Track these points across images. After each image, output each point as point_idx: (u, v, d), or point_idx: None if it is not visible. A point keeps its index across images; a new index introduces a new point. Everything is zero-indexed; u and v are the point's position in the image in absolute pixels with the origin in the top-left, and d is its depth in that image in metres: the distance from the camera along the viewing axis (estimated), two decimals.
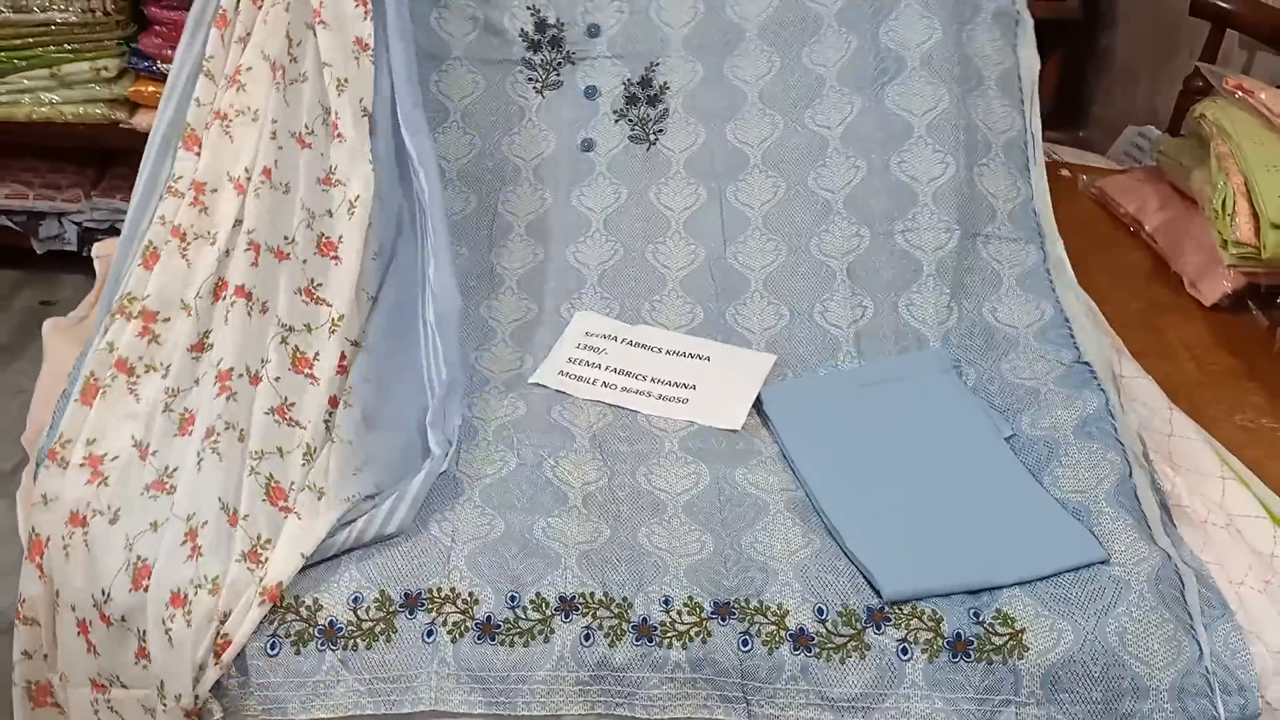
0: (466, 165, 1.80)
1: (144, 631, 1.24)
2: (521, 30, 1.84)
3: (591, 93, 1.84)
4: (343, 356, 1.45)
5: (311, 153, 1.58)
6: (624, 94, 1.83)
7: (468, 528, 1.32)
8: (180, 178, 1.59)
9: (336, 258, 1.52)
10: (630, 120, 1.83)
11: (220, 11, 1.64)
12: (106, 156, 3.37)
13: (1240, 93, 1.82)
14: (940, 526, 1.32)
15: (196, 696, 1.22)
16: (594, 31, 1.85)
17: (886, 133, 1.72)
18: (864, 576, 1.26)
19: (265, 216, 1.51)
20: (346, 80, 1.60)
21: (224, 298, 1.46)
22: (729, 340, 1.63)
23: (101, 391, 1.42)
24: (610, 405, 1.52)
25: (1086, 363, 1.50)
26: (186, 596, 1.23)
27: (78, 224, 3.29)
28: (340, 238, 1.52)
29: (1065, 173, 2.17)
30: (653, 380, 1.56)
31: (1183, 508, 1.36)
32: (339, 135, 1.58)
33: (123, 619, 1.25)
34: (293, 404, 1.40)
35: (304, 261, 1.50)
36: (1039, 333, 1.58)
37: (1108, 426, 1.39)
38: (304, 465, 1.35)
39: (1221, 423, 1.53)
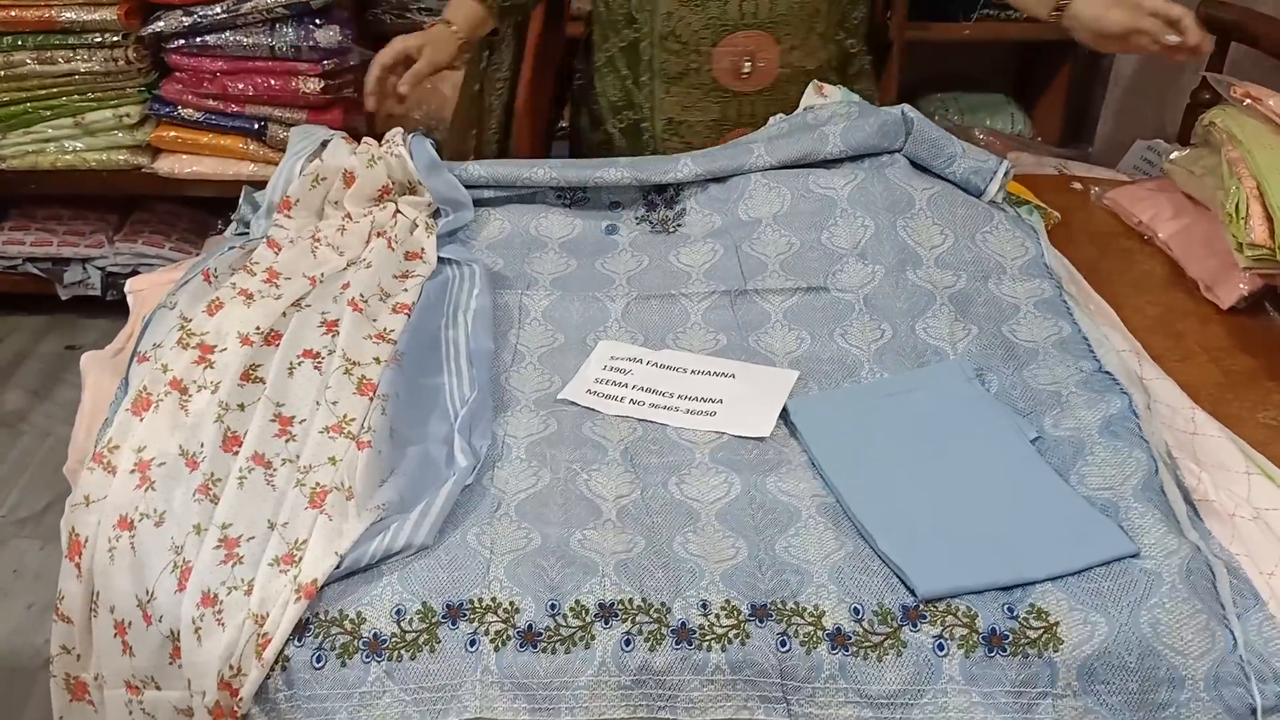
0: (496, 241, 1.93)
1: (178, 631, 1.27)
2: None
3: (614, 206, 2.01)
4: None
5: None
6: (643, 202, 1.99)
7: (505, 540, 1.34)
8: (257, 263, 1.75)
9: (409, 314, 1.68)
10: (650, 222, 1.95)
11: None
12: (129, 202, 3.43)
13: (1249, 100, 1.85)
14: (971, 526, 1.33)
15: (240, 699, 1.24)
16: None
17: (890, 198, 1.83)
18: (898, 576, 1.28)
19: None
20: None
21: (278, 345, 1.59)
22: (753, 362, 1.65)
23: (155, 405, 1.48)
24: (639, 420, 1.55)
25: (1108, 372, 1.52)
26: (217, 596, 1.27)
27: (101, 269, 3.34)
28: (414, 303, 1.72)
29: (1077, 185, 2.21)
30: (679, 397, 1.58)
31: (1209, 502, 1.38)
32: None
33: (161, 619, 1.29)
34: (352, 419, 1.45)
35: (374, 320, 1.59)
36: (1058, 344, 1.60)
37: (1132, 425, 1.41)
38: (334, 466, 1.39)
39: (1245, 421, 1.55)
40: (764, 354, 1.67)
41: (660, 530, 1.36)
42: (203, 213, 3.48)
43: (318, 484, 1.39)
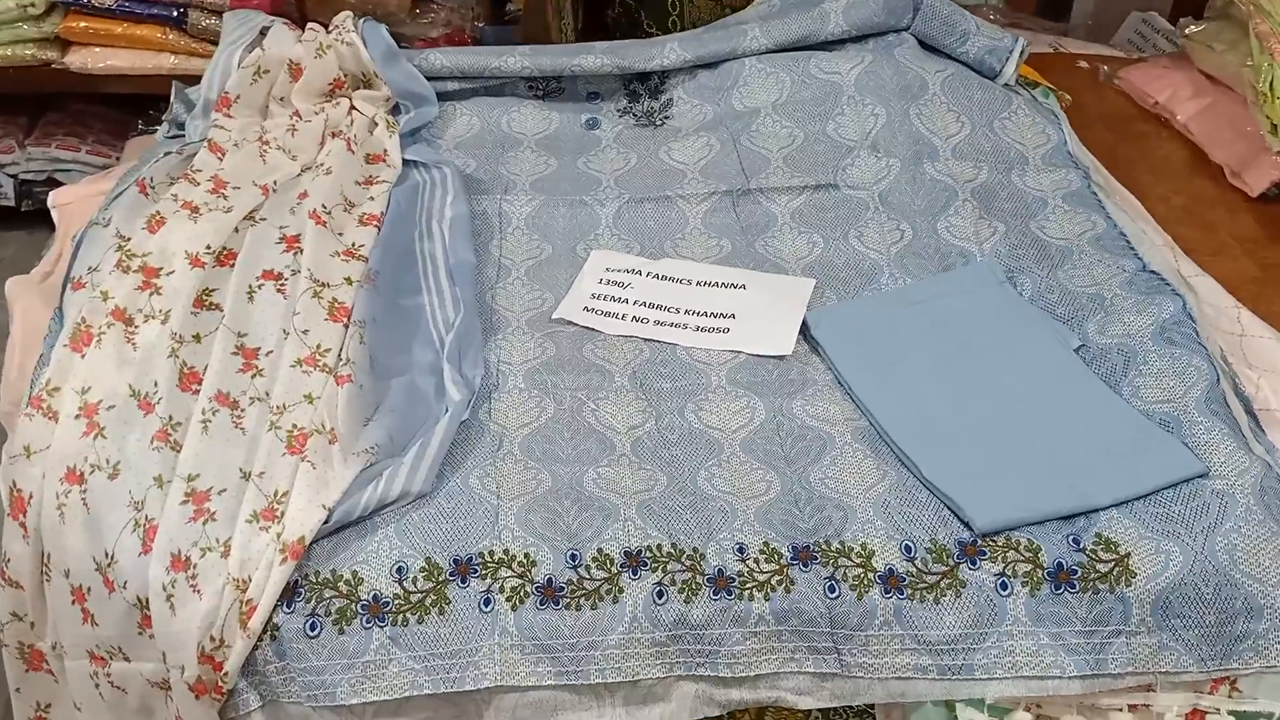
0: (466, 140, 1.74)
1: (146, 599, 1.12)
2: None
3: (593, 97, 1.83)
4: None
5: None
6: (624, 93, 1.80)
7: (512, 483, 1.20)
8: (199, 170, 1.56)
9: (378, 226, 1.50)
10: (634, 114, 1.78)
11: None
12: (39, 102, 3.14)
13: None
14: (1022, 449, 1.22)
15: (225, 674, 1.11)
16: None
17: (901, 83, 1.68)
18: (949, 509, 1.16)
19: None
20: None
21: (233, 266, 1.41)
22: (761, 269, 1.51)
23: (96, 339, 1.31)
24: (645, 340, 1.40)
25: (1154, 271, 1.40)
26: (190, 559, 1.13)
27: (13, 176, 3.07)
28: (383, 213, 1.53)
29: (1083, 64, 2.06)
30: (687, 312, 1.44)
31: (1270, 411, 1.28)
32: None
33: (125, 584, 1.14)
34: (327, 350, 1.29)
35: (340, 234, 1.41)
36: (1093, 241, 1.48)
37: (1189, 330, 1.30)
38: (311, 405, 1.24)
39: None
40: (773, 260, 1.52)
41: (681, 465, 1.23)
42: (121, 112, 3.21)
43: (295, 426, 1.23)
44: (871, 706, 1.18)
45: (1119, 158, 1.79)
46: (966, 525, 1.14)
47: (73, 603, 1.19)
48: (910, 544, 1.13)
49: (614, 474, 1.21)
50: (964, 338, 1.37)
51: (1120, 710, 1.11)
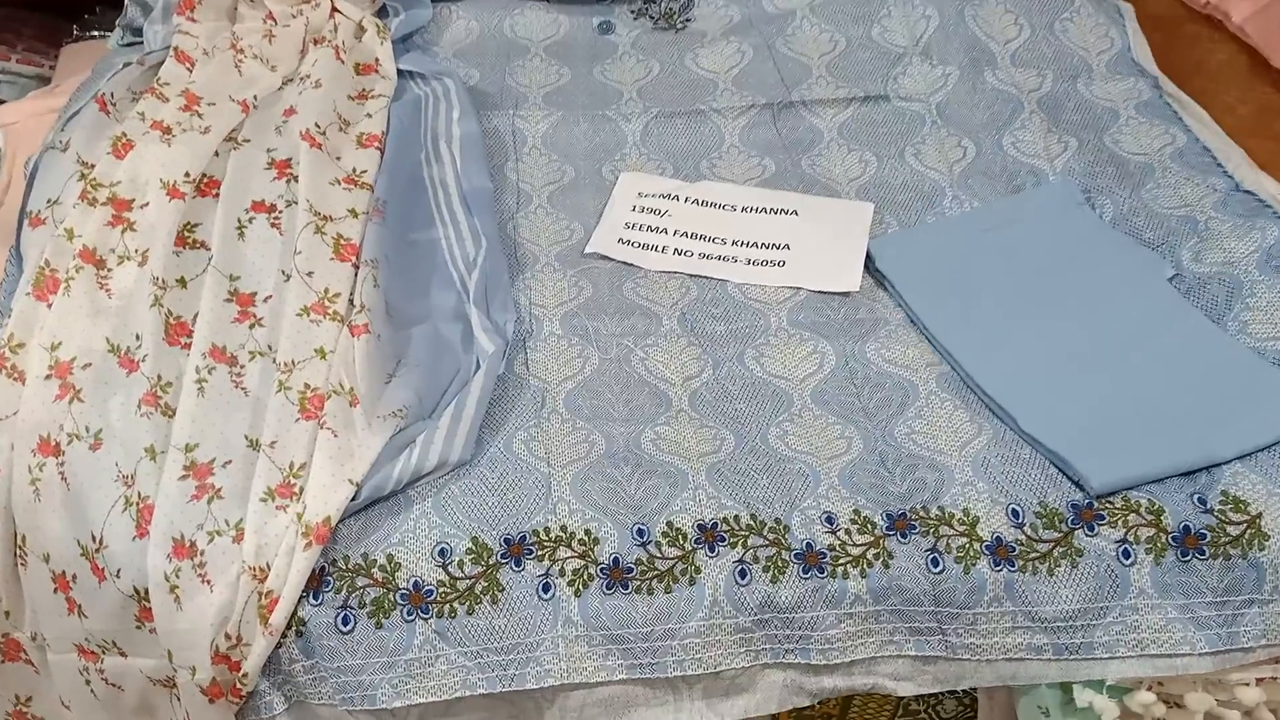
0: (465, 47, 1.56)
1: (145, 590, 0.97)
2: None
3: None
4: None
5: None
6: None
7: (562, 446, 1.05)
8: (167, 84, 1.35)
9: (380, 148, 1.31)
10: (651, 16, 1.59)
11: None
12: None
13: None
14: (1127, 395, 1.09)
15: (244, 675, 0.96)
16: None
17: None
18: (1057, 466, 1.04)
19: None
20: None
21: (216, 196, 1.24)
22: (811, 191, 1.35)
23: (65, 285, 1.13)
24: (691, 276, 1.25)
25: (1250, 191, 1.27)
26: (195, 545, 0.97)
27: None
28: (384, 133, 1.35)
29: None
30: (735, 243, 1.28)
31: None
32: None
33: (119, 573, 0.98)
34: (336, 295, 1.12)
35: (338, 158, 1.22)
36: (1175, 156, 1.34)
37: None
38: (324, 361, 1.08)
39: None
40: (823, 181, 1.37)
41: (748, 421, 1.09)
42: (53, 15, 2.93)
43: (307, 386, 1.07)
44: (972, 690, 1.07)
45: (1172, 63, 1.63)
46: (1078, 485, 1.02)
47: (55, 591, 1.03)
48: (1018, 508, 1.00)
49: (674, 433, 1.07)
50: (1044, 268, 1.24)
51: (1247, 685, 1.00)
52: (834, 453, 1.06)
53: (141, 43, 1.53)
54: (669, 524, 0.99)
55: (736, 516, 1.00)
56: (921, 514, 1.00)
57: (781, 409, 1.10)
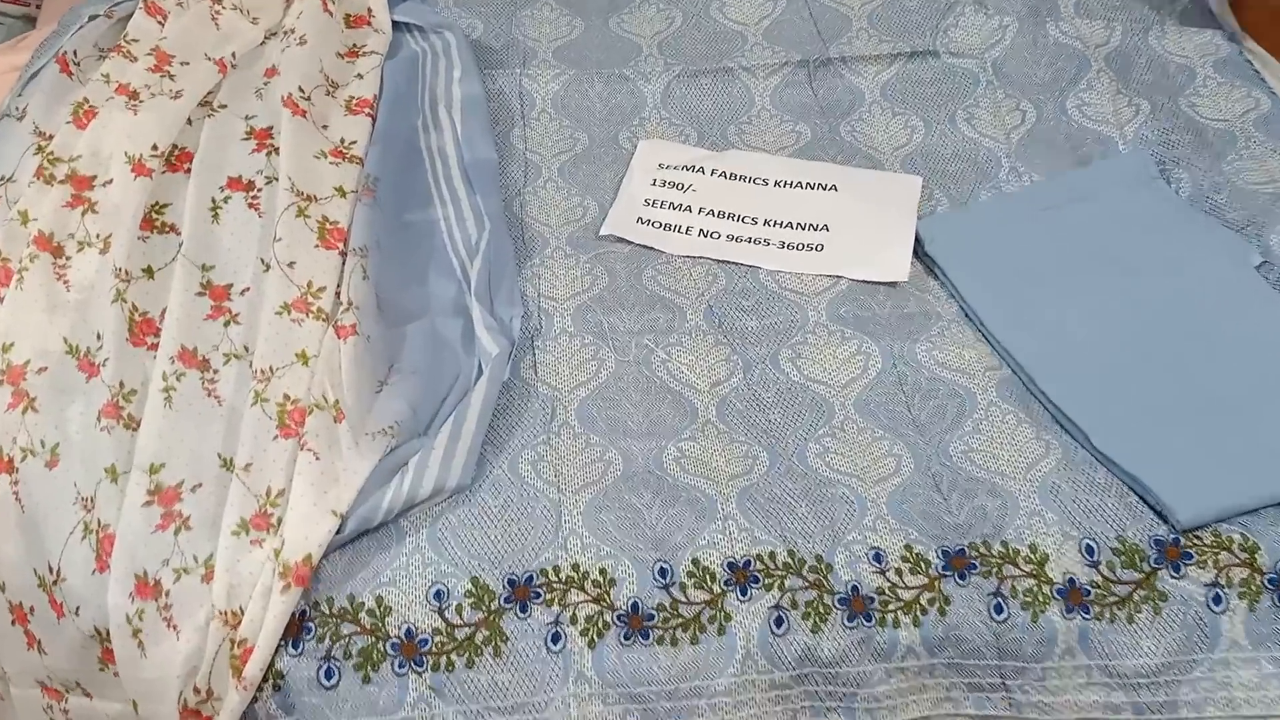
0: None
1: (106, 631, 0.87)
2: None
3: None
4: None
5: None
6: None
7: (574, 467, 0.93)
8: (136, 40, 1.21)
9: (372, 114, 1.15)
10: None
11: None
12: None
13: None
14: (1217, 409, 0.96)
15: None
16: None
17: None
18: (1137, 494, 0.91)
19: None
20: None
21: (188, 171, 1.11)
22: (851, 162, 1.21)
23: (17, 276, 1.02)
24: (718, 261, 1.12)
25: None
26: (160, 583, 0.86)
27: None
28: (376, 96, 1.21)
29: None
30: (768, 223, 1.15)
31: None
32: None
33: (78, 610, 0.87)
34: (321, 289, 0.99)
35: (324, 127, 1.09)
36: (1260, 123, 1.19)
37: None
38: (306, 367, 0.96)
39: None
40: (864, 150, 1.23)
41: (784, 435, 0.97)
42: None
43: (286, 398, 0.95)
44: None
45: (1248, 13, 1.47)
46: (1161, 517, 0.89)
47: (13, 623, 0.93)
48: (1092, 543, 0.88)
49: (701, 450, 0.95)
50: (1116, 254, 1.10)
51: None
52: (881, 474, 0.93)
53: None
54: (695, 562, 0.87)
55: (772, 553, 0.88)
56: (982, 550, 0.88)
57: (821, 420, 0.98)
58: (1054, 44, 1.27)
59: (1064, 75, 1.25)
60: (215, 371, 0.98)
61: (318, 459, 0.90)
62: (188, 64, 1.21)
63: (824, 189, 1.17)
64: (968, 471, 0.93)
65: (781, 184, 1.18)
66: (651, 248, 1.13)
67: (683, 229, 1.14)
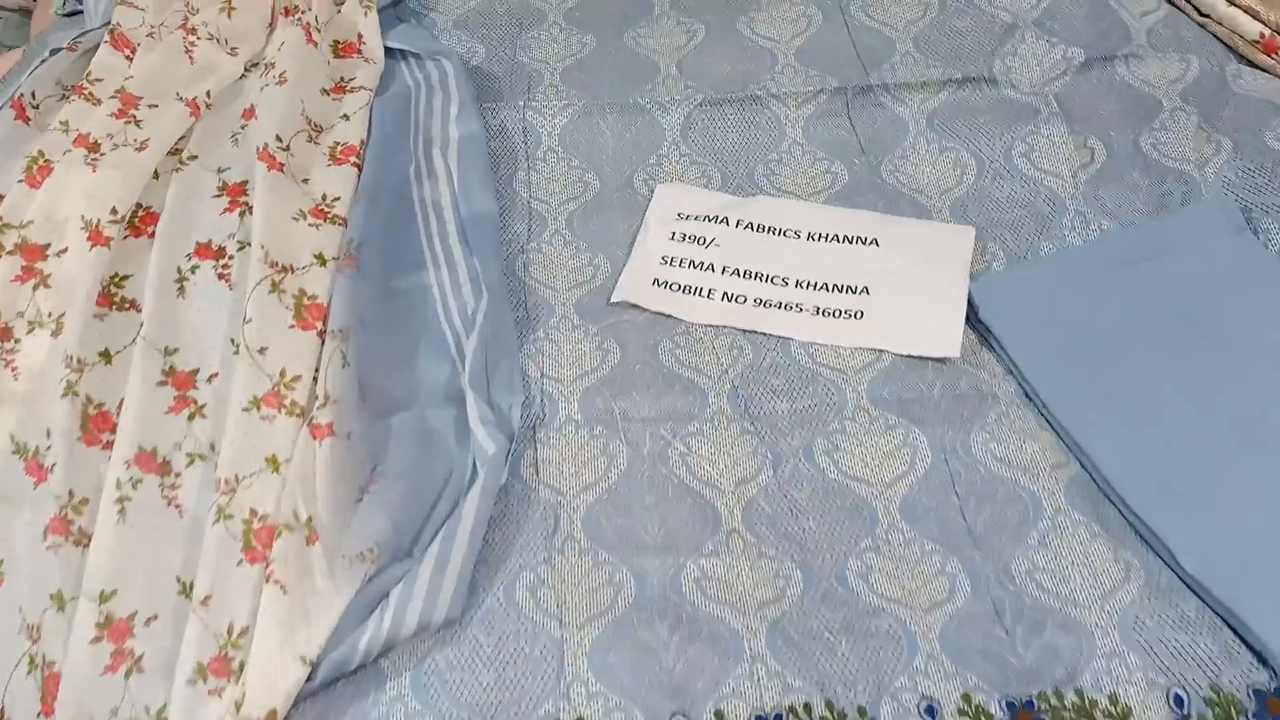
0: (468, 13, 1.29)
1: None
2: None
3: None
4: None
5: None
6: None
7: (579, 594, 0.82)
8: (100, 80, 1.10)
9: (358, 164, 1.02)
10: None
11: None
12: None
13: None
14: None
15: None
16: None
17: None
18: (1233, 629, 0.78)
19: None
20: None
21: (152, 235, 1.01)
22: (895, 208, 1.08)
23: None
24: (744, 331, 0.99)
25: None
26: None
27: None
28: (364, 141, 1.08)
29: None
30: (799, 284, 1.02)
31: None
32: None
33: None
34: (295, 378, 0.88)
35: (305, 180, 0.97)
36: None
37: None
38: (276, 474, 0.85)
39: None
40: (907, 194, 1.09)
41: (821, 548, 0.85)
42: None
43: (254, 514, 0.84)
44: None
45: None
46: (1263, 660, 0.77)
47: None
48: (1182, 693, 0.76)
49: (725, 569, 0.83)
50: (1204, 322, 0.96)
51: None
52: (934, 599, 0.81)
53: (81, 10, 1.27)
54: (718, 715, 0.76)
55: (807, 704, 0.76)
56: (1054, 703, 0.76)
57: (863, 530, 0.85)
58: (1122, 77, 1.13)
59: (1137, 108, 1.11)
60: (177, 475, 0.87)
61: (286, 593, 0.79)
62: (156, 106, 1.10)
63: (864, 243, 1.04)
64: (1034, 598, 0.81)
65: (816, 237, 1.05)
66: (669, 315, 1.00)
67: (704, 292, 1.02)
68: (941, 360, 0.96)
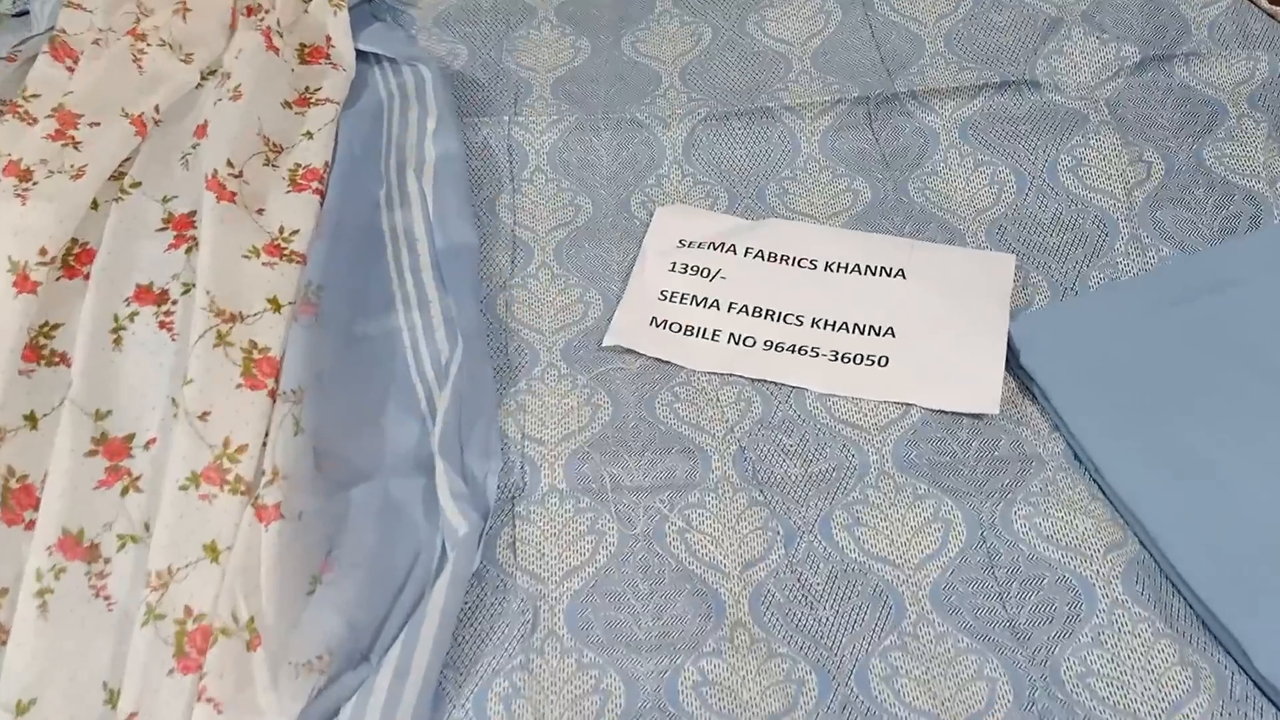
0: (450, 10, 1.18)
1: None
2: None
3: None
4: None
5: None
6: None
7: (560, 706, 0.71)
8: (37, 95, 0.99)
9: (321, 190, 0.91)
10: None
11: None
12: None
13: None
14: None
15: None
16: None
17: None
18: None
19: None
20: None
21: (87, 277, 0.90)
22: (923, 232, 0.96)
23: None
24: (753, 381, 0.88)
25: None
26: None
27: None
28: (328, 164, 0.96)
29: None
30: (815, 323, 0.90)
31: None
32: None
33: None
34: (241, 448, 0.77)
35: (259, 211, 0.86)
36: None
37: None
38: (215, 564, 0.75)
39: None
40: (938, 215, 0.97)
41: (839, 643, 0.73)
42: None
43: (189, 612, 0.73)
44: None
45: None
46: None
47: None
48: None
49: (728, 671, 0.72)
50: (1270, 370, 0.84)
51: None
52: (970, 708, 0.70)
53: (29, 12, 1.16)
54: None
55: None
56: None
57: (888, 622, 0.74)
58: (1182, 81, 1.00)
59: (1199, 116, 0.98)
60: (106, 561, 0.77)
61: (221, 713, 0.68)
62: (98, 124, 0.99)
63: (889, 274, 0.92)
64: (1089, 707, 0.70)
65: (834, 267, 0.93)
66: (668, 362, 0.89)
67: (708, 333, 0.90)
68: (978, 416, 0.84)
